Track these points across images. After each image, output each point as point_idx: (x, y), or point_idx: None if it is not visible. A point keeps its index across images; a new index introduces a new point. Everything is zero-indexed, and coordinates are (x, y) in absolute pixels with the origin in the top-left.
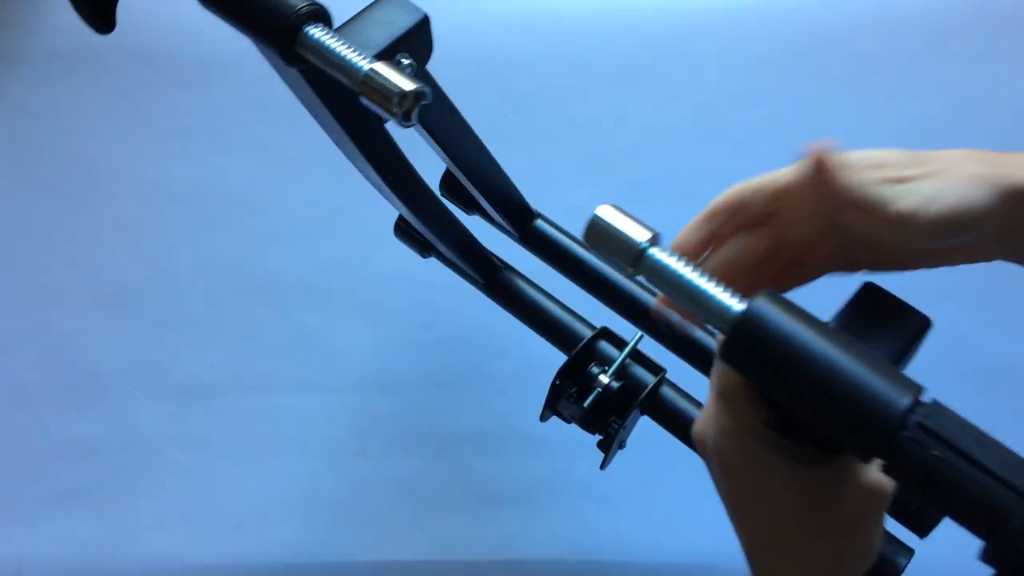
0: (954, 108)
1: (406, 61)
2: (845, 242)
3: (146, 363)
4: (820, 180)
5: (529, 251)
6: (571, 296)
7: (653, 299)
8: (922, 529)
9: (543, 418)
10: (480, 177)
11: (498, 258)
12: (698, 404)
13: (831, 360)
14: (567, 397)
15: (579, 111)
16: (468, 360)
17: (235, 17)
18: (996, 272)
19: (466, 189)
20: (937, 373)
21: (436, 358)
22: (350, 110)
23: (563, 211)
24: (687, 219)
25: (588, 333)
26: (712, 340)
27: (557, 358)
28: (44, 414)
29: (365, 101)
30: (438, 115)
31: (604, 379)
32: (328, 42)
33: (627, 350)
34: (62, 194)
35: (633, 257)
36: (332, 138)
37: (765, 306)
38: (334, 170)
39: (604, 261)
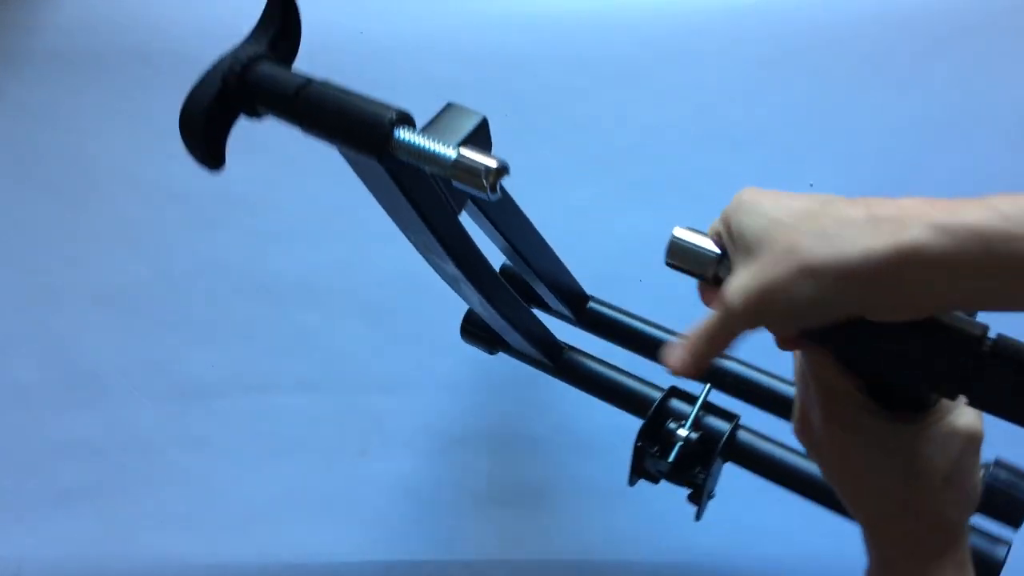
0: (955, 108)
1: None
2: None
3: (146, 363)
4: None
5: (589, 332)
6: (630, 362)
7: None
8: (1015, 520)
9: (632, 483)
10: (540, 265)
11: (559, 339)
12: (775, 443)
13: None
14: (651, 456)
15: (579, 111)
16: (468, 360)
17: (336, 136)
18: None
19: (521, 283)
20: None
21: (436, 358)
22: (430, 204)
23: (563, 211)
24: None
25: (658, 395)
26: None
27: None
28: (44, 414)
29: (457, 184)
30: (502, 207)
31: (683, 432)
32: (417, 140)
33: (699, 402)
34: (62, 194)
35: (712, 267)
36: (410, 236)
37: None
38: (334, 170)
39: (686, 273)
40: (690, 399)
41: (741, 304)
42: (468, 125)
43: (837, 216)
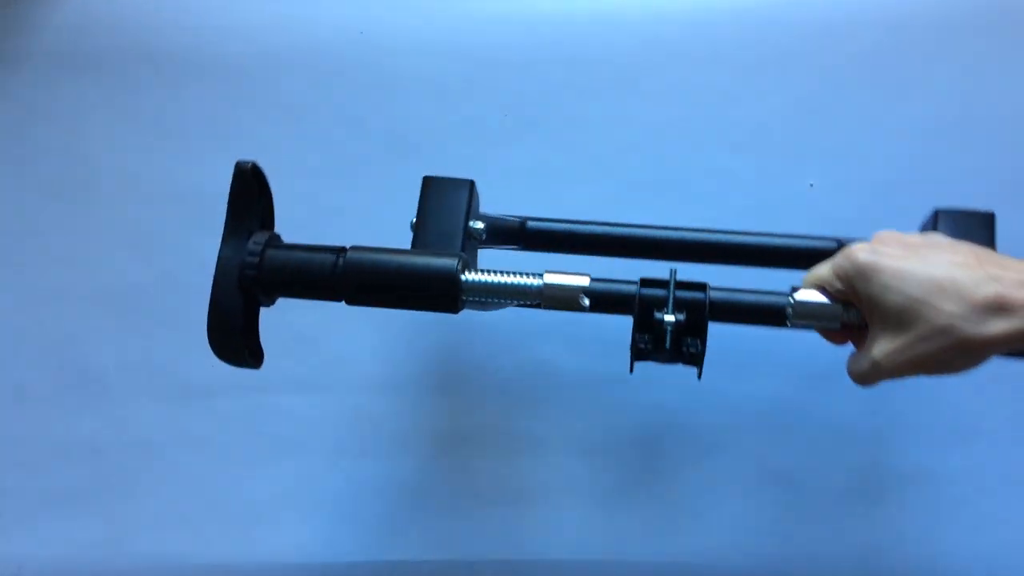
0: (956, 108)
1: (479, 226)
2: None
3: (146, 363)
4: None
5: (536, 251)
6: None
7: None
8: None
9: (632, 371)
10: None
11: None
12: (742, 291)
13: None
14: (645, 346)
15: (579, 111)
16: (469, 360)
17: (400, 304)
18: None
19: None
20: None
21: (437, 358)
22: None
23: (563, 211)
24: (687, 219)
25: (633, 288)
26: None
27: (558, 357)
28: (44, 414)
29: (545, 307)
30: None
31: (670, 317)
32: (491, 280)
33: (671, 285)
34: (62, 194)
35: (840, 319)
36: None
37: None
38: (334, 170)
39: (815, 329)
40: (662, 283)
41: (898, 370)
42: (462, 203)
43: (971, 298)
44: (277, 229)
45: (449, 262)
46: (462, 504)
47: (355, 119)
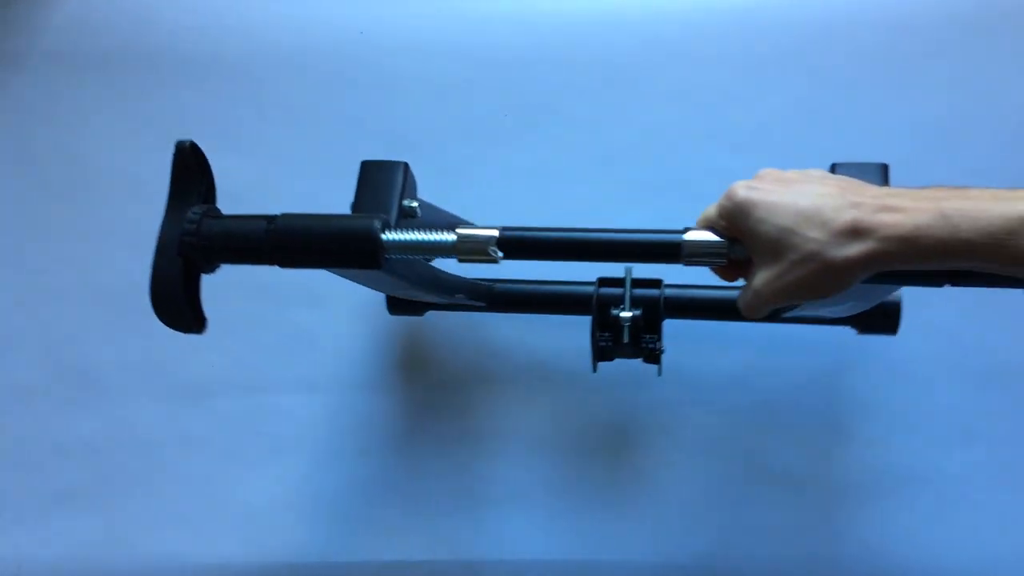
0: (955, 108)
1: (414, 203)
2: None
3: (146, 363)
4: None
5: (501, 312)
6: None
7: (614, 235)
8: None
9: (594, 370)
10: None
11: (485, 280)
12: (695, 287)
13: None
14: (606, 343)
15: (579, 111)
16: (469, 360)
17: (326, 262)
18: None
19: (410, 302)
20: (937, 373)
21: (436, 358)
22: (412, 272)
23: (563, 211)
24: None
25: (591, 289)
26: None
27: (557, 356)
28: (44, 414)
29: (463, 260)
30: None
31: (627, 314)
32: (409, 236)
33: (627, 283)
34: (62, 194)
35: (726, 254)
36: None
37: None
38: (334, 170)
39: (705, 265)
40: (618, 282)
41: (775, 295)
42: (396, 182)
43: (833, 225)
44: None
45: (369, 221)
46: (462, 504)
47: (355, 119)
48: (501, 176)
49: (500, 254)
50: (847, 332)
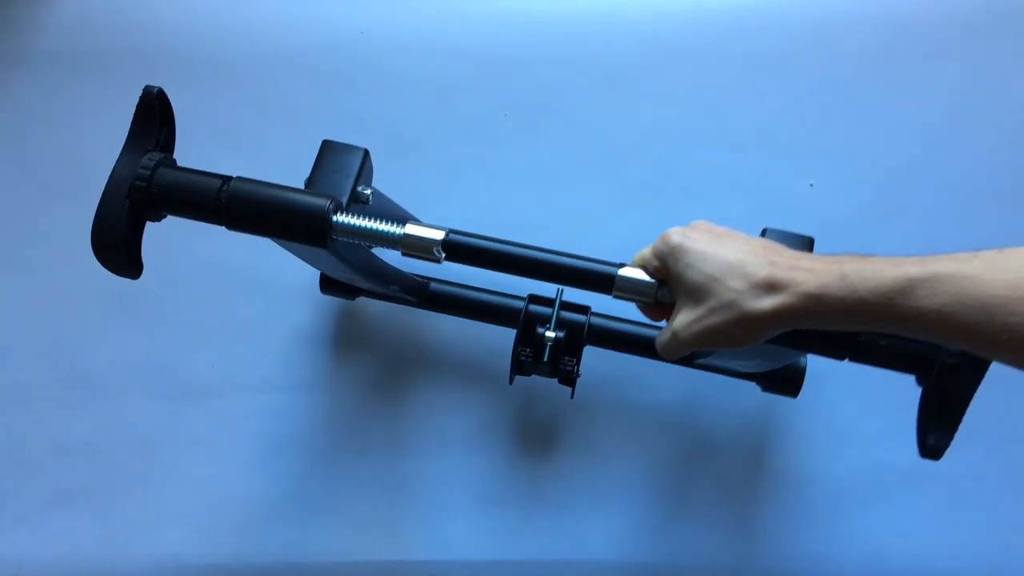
0: (955, 108)
1: (367, 191)
2: None
3: (146, 363)
4: None
5: (432, 311)
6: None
7: (553, 257)
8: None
9: (511, 382)
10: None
11: (421, 276)
12: (620, 320)
13: None
14: (526, 359)
15: (579, 111)
16: (468, 360)
17: (273, 232)
18: None
19: (344, 284)
20: None
21: (436, 358)
22: (354, 253)
23: (563, 211)
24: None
25: (521, 304)
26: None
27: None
28: (44, 414)
29: (405, 255)
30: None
31: (551, 333)
32: (359, 222)
33: (556, 304)
34: (62, 194)
35: (654, 295)
36: (318, 266)
37: None
38: None
39: (632, 301)
40: (548, 302)
41: (691, 339)
42: (353, 167)
43: (752, 278)
44: None
45: (322, 201)
46: (462, 504)
47: (355, 119)
48: (501, 176)
49: (443, 255)
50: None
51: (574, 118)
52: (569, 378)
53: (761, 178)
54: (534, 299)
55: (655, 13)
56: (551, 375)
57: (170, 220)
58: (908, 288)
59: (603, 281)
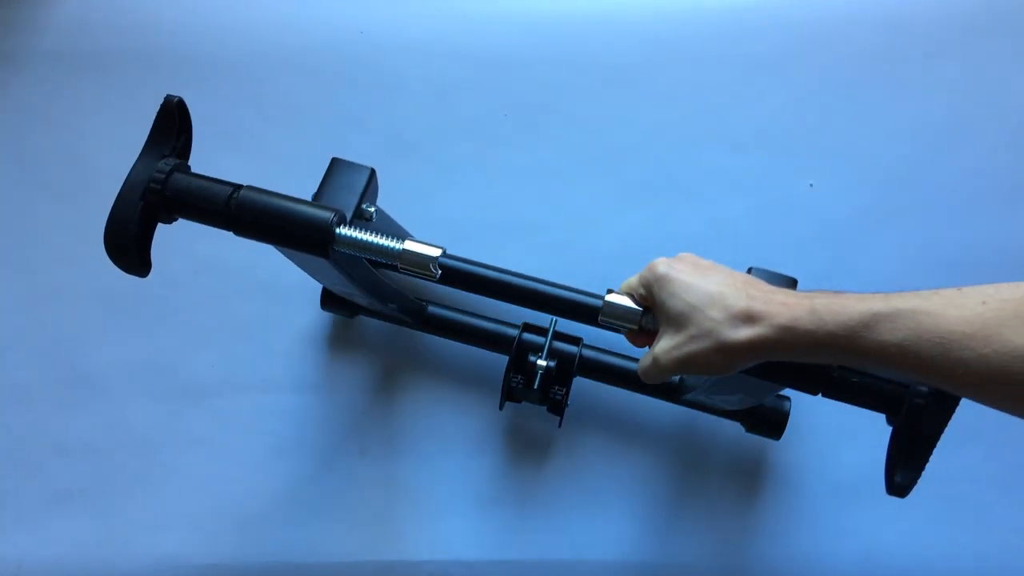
0: (955, 109)
1: (371, 209)
2: None
3: (146, 363)
4: None
5: (427, 332)
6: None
7: (542, 287)
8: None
9: (501, 407)
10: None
11: (419, 298)
12: (611, 354)
13: None
14: (517, 385)
15: (579, 111)
16: (469, 360)
17: (278, 240)
18: (996, 275)
19: (343, 302)
20: None
21: (436, 359)
22: (353, 267)
23: (563, 211)
24: (687, 218)
25: (515, 332)
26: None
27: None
28: (44, 414)
29: (402, 270)
30: (352, 262)
31: (542, 362)
32: (361, 236)
33: (549, 334)
34: (62, 194)
35: (639, 321)
36: (320, 279)
37: None
38: None
39: (618, 327)
40: (541, 331)
41: (671, 365)
42: (359, 185)
43: (731, 310)
44: None
45: (326, 214)
46: (462, 504)
47: (355, 119)
48: (501, 176)
49: (439, 272)
50: None
51: (574, 118)
52: (558, 407)
53: (761, 178)
54: (528, 328)
55: (655, 13)
56: (540, 403)
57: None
58: (872, 322)
59: (590, 312)
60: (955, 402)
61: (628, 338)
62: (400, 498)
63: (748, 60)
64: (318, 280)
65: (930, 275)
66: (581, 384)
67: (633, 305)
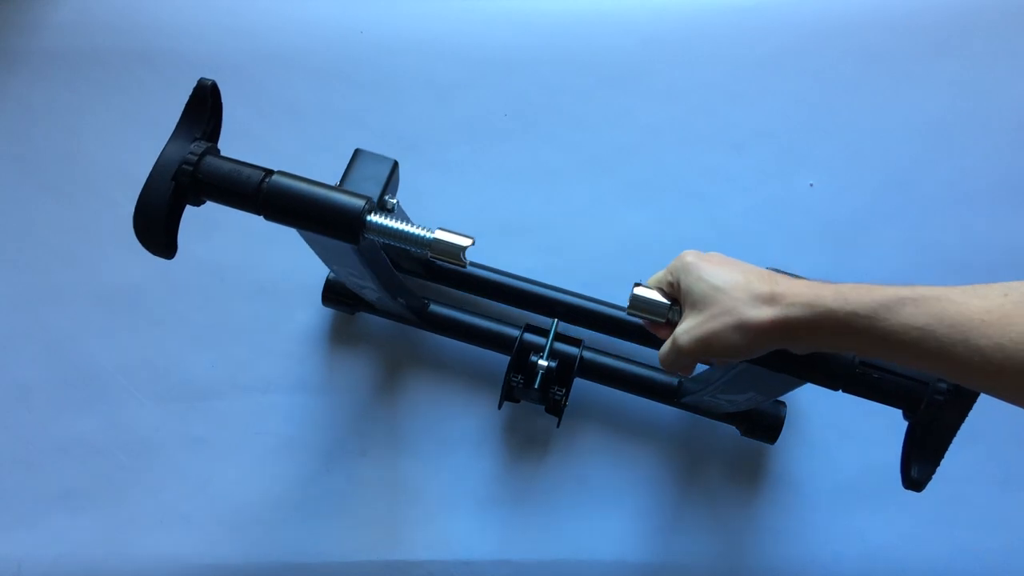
0: (955, 108)
1: (394, 200)
2: None
3: (146, 363)
4: None
5: (428, 331)
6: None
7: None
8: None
9: (500, 407)
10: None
11: (423, 297)
12: (611, 356)
13: None
14: (517, 385)
15: (579, 111)
16: (469, 360)
17: (308, 226)
18: (996, 275)
19: (345, 297)
20: None
21: (437, 358)
22: (375, 256)
23: (563, 211)
24: (687, 218)
25: (517, 332)
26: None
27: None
28: (44, 414)
29: (432, 257)
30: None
31: (544, 362)
32: (391, 224)
33: (551, 335)
34: (62, 194)
35: (666, 314)
36: (335, 268)
37: None
38: (333, 170)
39: (646, 319)
40: (543, 332)
41: (691, 345)
42: (382, 176)
43: (753, 291)
44: (276, 227)
45: (358, 201)
46: (462, 504)
47: (355, 119)
48: (501, 176)
49: (468, 261)
50: None
51: (574, 118)
52: (557, 407)
53: (761, 178)
54: (530, 328)
55: (655, 13)
56: (540, 402)
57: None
58: (895, 304)
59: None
60: (972, 399)
61: (653, 331)
62: (400, 498)
63: (748, 60)
64: (333, 270)
65: (930, 275)
66: (582, 385)
67: (661, 298)
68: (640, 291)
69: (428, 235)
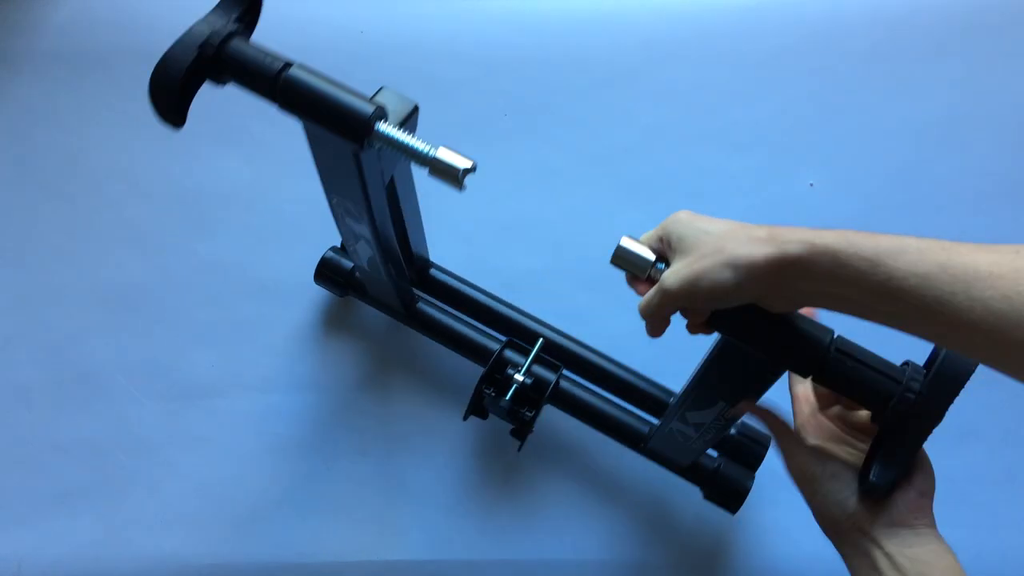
0: (955, 108)
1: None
2: None
3: (146, 363)
4: None
5: (411, 327)
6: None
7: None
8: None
9: (464, 418)
10: (413, 236)
11: (415, 291)
12: (586, 390)
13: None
14: (488, 397)
15: (579, 111)
16: (461, 360)
17: (318, 120)
18: None
19: (337, 276)
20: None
21: (436, 358)
22: (374, 179)
23: (563, 211)
24: None
25: (497, 346)
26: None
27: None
28: (44, 414)
29: (432, 175)
30: (409, 188)
31: (519, 376)
32: (397, 135)
33: (533, 352)
34: (62, 194)
35: (649, 269)
36: (334, 199)
37: None
38: None
39: (628, 271)
40: (524, 351)
41: (677, 286)
42: (404, 110)
43: (749, 233)
44: (276, 227)
45: (369, 106)
46: (463, 504)
47: None
48: (500, 176)
49: (465, 185)
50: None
51: (574, 118)
52: (522, 428)
53: (761, 178)
54: (512, 344)
55: (655, 13)
56: (507, 419)
57: (168, 218)
58: (900, 249)
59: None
60: (943, 409)
61: (633, 286)
62: (400, 498)
63: (748, 60)
64: (332, 207)
65: None
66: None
67: (648, 254)
68: (627, 243)
69: (431, 152)
